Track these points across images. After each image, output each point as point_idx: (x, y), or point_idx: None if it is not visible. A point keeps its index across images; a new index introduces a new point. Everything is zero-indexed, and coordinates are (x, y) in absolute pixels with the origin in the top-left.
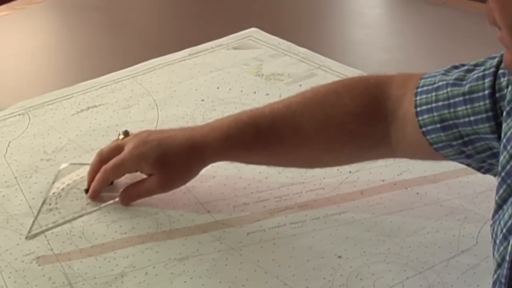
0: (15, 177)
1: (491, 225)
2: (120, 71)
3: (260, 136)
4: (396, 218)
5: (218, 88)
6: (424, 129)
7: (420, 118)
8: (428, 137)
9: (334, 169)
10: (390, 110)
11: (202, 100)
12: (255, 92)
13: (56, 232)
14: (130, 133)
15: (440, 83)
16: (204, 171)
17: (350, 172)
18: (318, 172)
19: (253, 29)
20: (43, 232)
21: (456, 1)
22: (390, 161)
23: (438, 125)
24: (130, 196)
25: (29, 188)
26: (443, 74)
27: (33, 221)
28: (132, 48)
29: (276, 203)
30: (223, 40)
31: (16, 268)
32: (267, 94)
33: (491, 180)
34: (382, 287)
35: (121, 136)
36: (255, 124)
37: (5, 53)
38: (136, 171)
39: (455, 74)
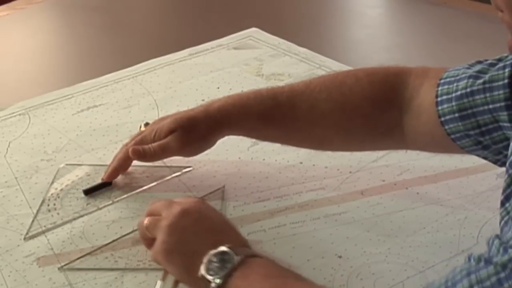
0: (16, 177)
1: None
2: (121, 71)
3: (277, 109)
4: (397, 218)
5: (218, 88)
6: (442, 118)
7: (439, 107)
8: (446, 127)
9: (335, 169)
10: (406, 99)
11: (203, 100)
12: None
13: (56, 232)
14: None
15: (463, 75)
16: (204, 170)
17: (350, 172)
18: (318, 172)
19: (254, 29)
20: (43, 232)
21: (456, 1)
22: (391, 161)
23: (457, 115)
24: (143, 150)
25: (29, 189)
26: (467, 68)
27: (32, 222)
28: (133, 48)
29: (276, 203)
30: (223, 40)
31: (16, 268)
32: None
33: (491, 180)
34: (383, 287)
35: (142, 128)
36: (273, 97)
37: (5, 53)
38: (156, 142)
39: (478, 67)
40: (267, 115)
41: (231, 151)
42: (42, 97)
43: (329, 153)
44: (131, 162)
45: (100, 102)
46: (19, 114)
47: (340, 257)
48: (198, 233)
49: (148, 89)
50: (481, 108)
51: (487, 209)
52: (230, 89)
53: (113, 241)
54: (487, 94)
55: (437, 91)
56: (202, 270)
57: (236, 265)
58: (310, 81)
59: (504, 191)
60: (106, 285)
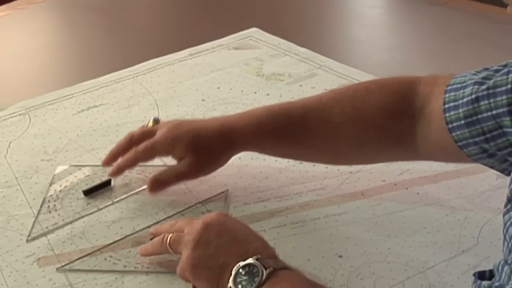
0: (16, 178)
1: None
2: (121, 71)
3: (290, 126)
4: (397, 218)
5: (218, 88)
6: (450, 125)
7: (447, 114)
8: (454, 134)
9: (335, 170)
10: (417, 108)
11: (203, 100)
12: (255, 92)
13: (56, 233)
14: (160, 121)
15: (469, 82)
16: None
17: (350, 172)
18: (319, 172)
19: (254, 29)
20: (44, 234)
21: (456, 1)
22: None
23: (463, 122)
24: (159, 181)
25: (29, 189)
26: (473, 74)
27: (33, 223)
28: (133, 48)
29: (276, 203)
30: (223, 40)
31: (17, 268)
32: (267, 94)
33: (492, 181)
34: (383, 287)
35: (151, 123)
36: (286, 114)
37: (6, 53)
38: (167, 155)
39: (484, 73)
40: (280, 133)
41: None
42: (42, 97)
43: None
44: (138, 162)
45: (100, 102)
46: (20, 114)
47: (340, 257)
48: (223, 246)
49: (149, 89)
50: (485, 114)
51: (487, 209)
52: (230, 89)
53: (113, 242)
54: (491, 100)
55: (445, 98)
56: (231, 283)
57: (264, 279)
58: (322, 96)
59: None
60: (106, 285)
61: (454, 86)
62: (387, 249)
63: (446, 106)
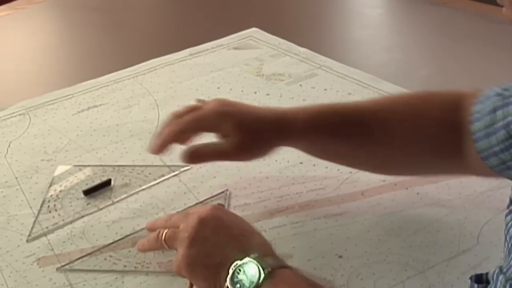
0: (16, 178)
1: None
2: (121, 71)
3: (346, 124)
4: (397, 218)
5: (218, 88)
6: (474, 136)
7: (473, 125)
8: (476, 144)
9: (335, 169)
10: (464, 121)
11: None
12: (255, 92)
13: (57, 233)
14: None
15: (493, 93)
16: (205, 171)
17: (350, 172)
18: (319, 172)
19: (254, 29)
20: (44, 234)
21: (456, 1)
22: None
23: (483, 132)
24: (196, 154)
25: (29, 189)
26: (499, 86)
27: (33, 223)
28: (133, 48)
29: (276, 203)
30: (223, 40)
31: (17, 269)
32: (267, 94)
33: (492, 180)
34: (383, 287)
35: (193, 102)
36: (344, 112)
37: (6, 53)
38: (212, 130)
39: (507, 85)
40: (335, 130)
41: None
42: (42, 97)
43: None
44: (188, 137)
45: (100, 102)
46: (20, 114)
47: (340, 257)
48: (219, 243)
49: (149, 89)
50: (500, 124)
51: (487, 209)
52: (231, 89)
53: (113, 242)
54: (504, 109)
55: (472, 110)
56: (228, 283)
57: (262, 280)
58: (378, 99)
59: None
60: (107, 285)
61: (481, 98)
62: (387, 249)
63: (473, 117)
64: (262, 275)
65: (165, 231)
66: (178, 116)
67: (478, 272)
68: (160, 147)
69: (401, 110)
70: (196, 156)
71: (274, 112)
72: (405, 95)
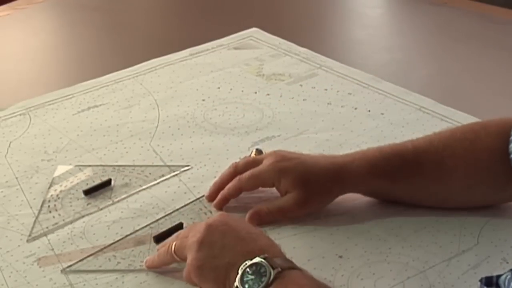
0: (16, 178)
1: None
2: (121, 71)
3: (404, 168)
4: (397, 218)
5: (219, 88)
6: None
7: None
8: None
9: None
10: None
11: (203, 100)
12: (256, 92)
13: (57, 233)
14: (263, 152)
15: None
16: (205, 171)
17: None
18: None
19: (254, 29)
20: (45, 234)
21: (456, 1)
22: None
23: None
24: (259, 214)
25: (30, 189)
26: None
27: (34, 223)
28: (133, 48)
29: None
30: (224, 40)
31: (17, 269)
32: (268, 94)
33: None
34: (383, 287)
35: (254, 154)
36: (399, 155)
37: (6, 53)
38: (272, 186)
39: None
40: (394, 174)
41: (232, 151)
42: (42, 97)
43: (329, 153)
44: (241, 191)
45: (100, 102)
46: (20, 114)
47: (340, 257)
48: (228, 245)
49: (149, 89)
50: None
51: (487, 209)
52: (231, 89)
53: (115, 242)
54: None
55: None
56: (237, 283)
57: (272, 280)
58: (431, 138)
59: None
60: (107, 285)
61: None
62: (387, 249)
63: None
64: (272, 276)
65: (174, 243)
66: (237, 170)
67: (479, 272)
68: (220, 203)
69: (453, 146)
70: (258, 217)
71: (332, 163)
72: (455, 129)
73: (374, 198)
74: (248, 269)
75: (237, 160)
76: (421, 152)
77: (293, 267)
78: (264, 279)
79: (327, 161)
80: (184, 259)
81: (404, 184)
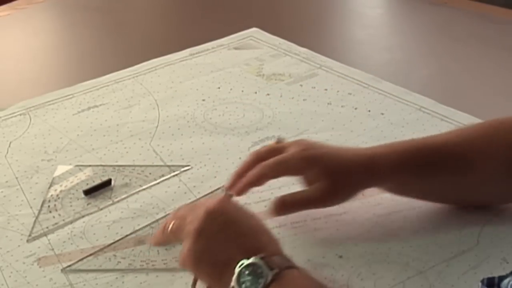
0: (16, 178)
1: None
2: (121, 71)
3: (430, 162)
4: (397, 218)
5: (219, 88)
6: None
7: None
8: None
9: None
10: None
11: (203, 100)
12: (256, 92)
13: (57, 233)
14: (285, 140)
15: None
16: (205, 171)
17: None
18: None
19: (254, 29)
20: (45, 234)
21: (456, 1)
22: None
23: None
24: (284, 203)
25: (30, 189)
26: None
27: (34, 223)
28: (133, 48)
29: None
30: (224, 40)
31: (17, 269)
32: (268, 94)
33: None
34: (383, 287)
35: (274, 143)
36: (427, 149)
37: (6, 53)
38: (297, 174)
39: None
40: (423, 168)
41: (232, 151)
42: (42, 97)
43: None
44: (266, 181)
45: (100, 102)
46: (20, 114)
47: (340, 257)
48: (226, 240)
49: (149, 89)
50: None
51: (487, 209)
52: (231, 89)
53: (116, 241)
54: None
55: None
56: (234, 283)
57: (269, 282)
58: (453, 135)
59: None
60: (107, 285)
61: None
62: (388, 249)
63: None
64: (269, 277)
65: (172, 222)
66: (259, 157)
67: (479, 272)
68: (242, 190)
69: (475, 141)
70: (285, 207)
71: (361, 154)
72: (476, 125)
73: (394, 194)
74: (244, 269)
75: (237, 160)
76: (444, 147)
77: (291, 266)
78: (261, 280)
79: (357, 153)
80: (180, 241)
81: (429, 180)
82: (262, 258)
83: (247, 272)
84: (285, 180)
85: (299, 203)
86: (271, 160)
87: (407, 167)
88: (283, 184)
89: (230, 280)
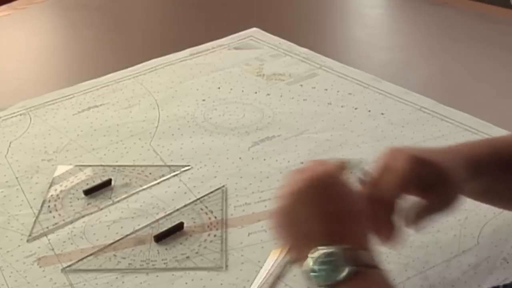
0: (16, 177)
1: None
2: (122, 71)
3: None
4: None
5: (219, 88)
6: None
7: None
8: None
9: None
10: None
11: (203, 100)
12: (256, 92)
13: (57, 233)
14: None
15: None
16: (205, 171)
17: (351, 172)
18: None
19: (254, 29)
20: (45, 234)
21: (456, 1)
22: None
23: None
24: (409, 220)
25: (30, 189)
26: None
27: (34, 223)
28: (134, 48)
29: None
30: (224, 40)
31: (17, 269)
32: (268, 94)
33: None
34: None
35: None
36: (506, 147)
37: (6, 53)
38: (415, 192)
39: None
40: (506, 165)
41: (232, 151)
42: (43, 97)
43: (330, 153)
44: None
45: (101, 102)
46: (20, 114)
47: None
48: (315, 214)
49: (149, 89)
50: None
51: (487, 209)
52: (231, 89)
53: (116, 241)
54: None
55: None
56: (306, 267)
57: (343, 278)
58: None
59: None
60: (107, 285)
61: None
62: (388, 249)
63: None
64: (345, 273)
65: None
66: (374, 205)
67: (479, 272)
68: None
69: None
70: (410, 224)
71: (457, 155)
72: None
73: (476, 199)
74: (322, 257)
75: (237, 160)
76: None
77: (373, 265)
78: (336, 275)
79: (454, 154)
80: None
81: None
82: (344, 250)
83: (324, 260)
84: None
85: (422, 215)
86: (390, 186)
87: (503, 162)
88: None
89: (306, 263)
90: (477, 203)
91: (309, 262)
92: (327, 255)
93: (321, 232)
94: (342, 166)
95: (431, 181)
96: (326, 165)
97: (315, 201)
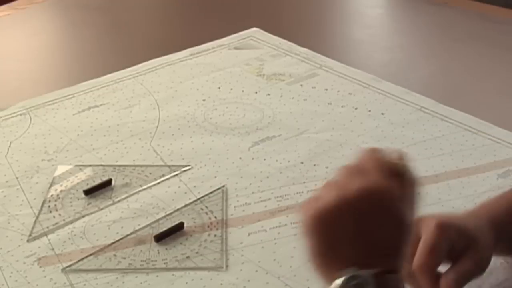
0: (17, 177)
1: None
2: (122, 71)
3: None
4: None
5: (219, 88)
6: None
7: None
8: None
9: (336, 169)
10: None
11: (204, 100)
12: (256, 92)
13: (57, 233)
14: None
15: None
16: (205, 171)
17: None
18: (319, 172)
19: (254, 29)
20: (45, 234)
21: (456, 1)
22: None
23: None
24: (448, 284)
25: (30, 189)
26: None
27: (34, 223)
28: (134, 48)
29: (277, 203)
30: (224, 40)
31: (17, 269)
32: (268, 94)
33: (492, 181)
34: None
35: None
36: None
37: (6, 53)
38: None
39: None
40: None
41: (232, 151)
42: (43, 97)
43: (330, 153)
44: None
45: (101, 102)
46: (20, 114)
47: None
48: (356, 237)
49: (149, 89)
50: None
51: None
52: (231, 89)
53: (116, 241)
54: None
55: None
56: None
57: None
58: None
59: None
60: (107, 285)
61: None
62: None
63: None
64: None
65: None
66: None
67: None
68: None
69: None
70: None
71: (484, 218)
72: None
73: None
74: (350, 281)
75: (237, 160)
76: None
77: None
78: None
79: (482, 216)
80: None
81: None
82: (373, 276)
83: (351, 283)
84: (285, 180)
85: (460, 280)
86: (428, 256)
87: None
88: (283, 184)
89: (333, 278)
90: (477, 203)
91: (337, 283)
92: (354, 278)
93: (352, 252)
94: (400, 168)
95: (462, 246)
96: (376, 174)
97: (355, 215)
